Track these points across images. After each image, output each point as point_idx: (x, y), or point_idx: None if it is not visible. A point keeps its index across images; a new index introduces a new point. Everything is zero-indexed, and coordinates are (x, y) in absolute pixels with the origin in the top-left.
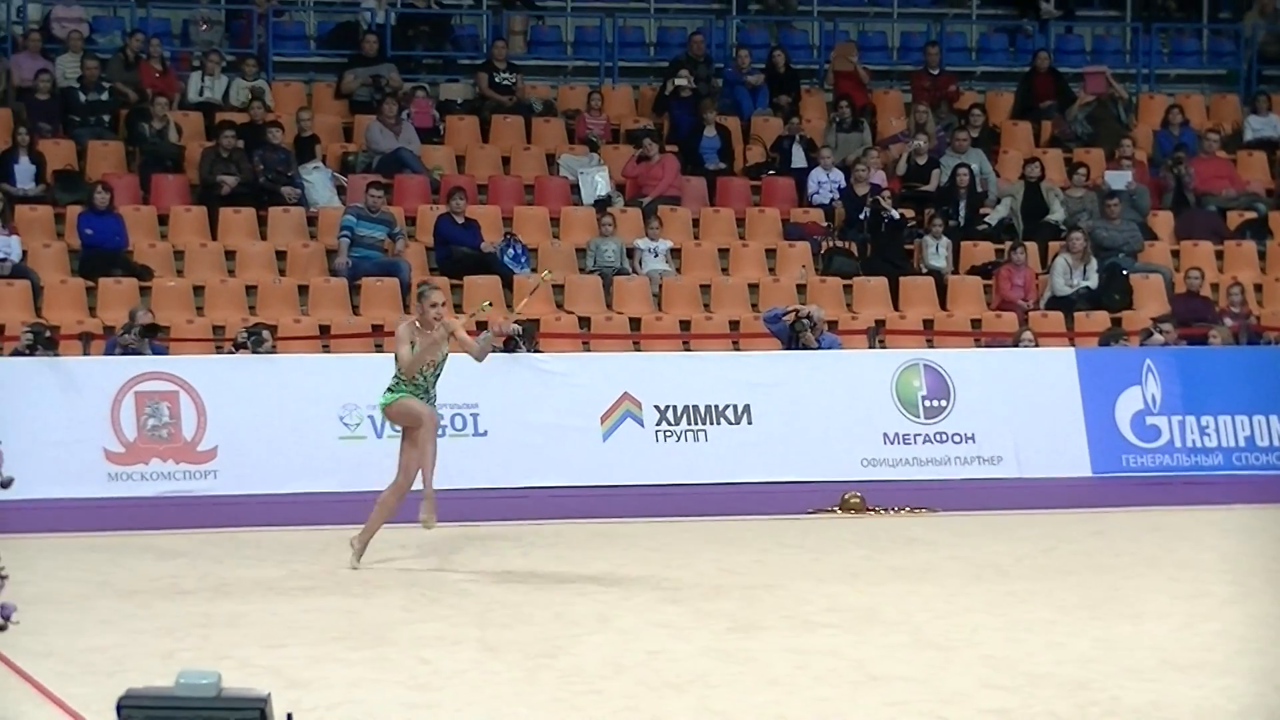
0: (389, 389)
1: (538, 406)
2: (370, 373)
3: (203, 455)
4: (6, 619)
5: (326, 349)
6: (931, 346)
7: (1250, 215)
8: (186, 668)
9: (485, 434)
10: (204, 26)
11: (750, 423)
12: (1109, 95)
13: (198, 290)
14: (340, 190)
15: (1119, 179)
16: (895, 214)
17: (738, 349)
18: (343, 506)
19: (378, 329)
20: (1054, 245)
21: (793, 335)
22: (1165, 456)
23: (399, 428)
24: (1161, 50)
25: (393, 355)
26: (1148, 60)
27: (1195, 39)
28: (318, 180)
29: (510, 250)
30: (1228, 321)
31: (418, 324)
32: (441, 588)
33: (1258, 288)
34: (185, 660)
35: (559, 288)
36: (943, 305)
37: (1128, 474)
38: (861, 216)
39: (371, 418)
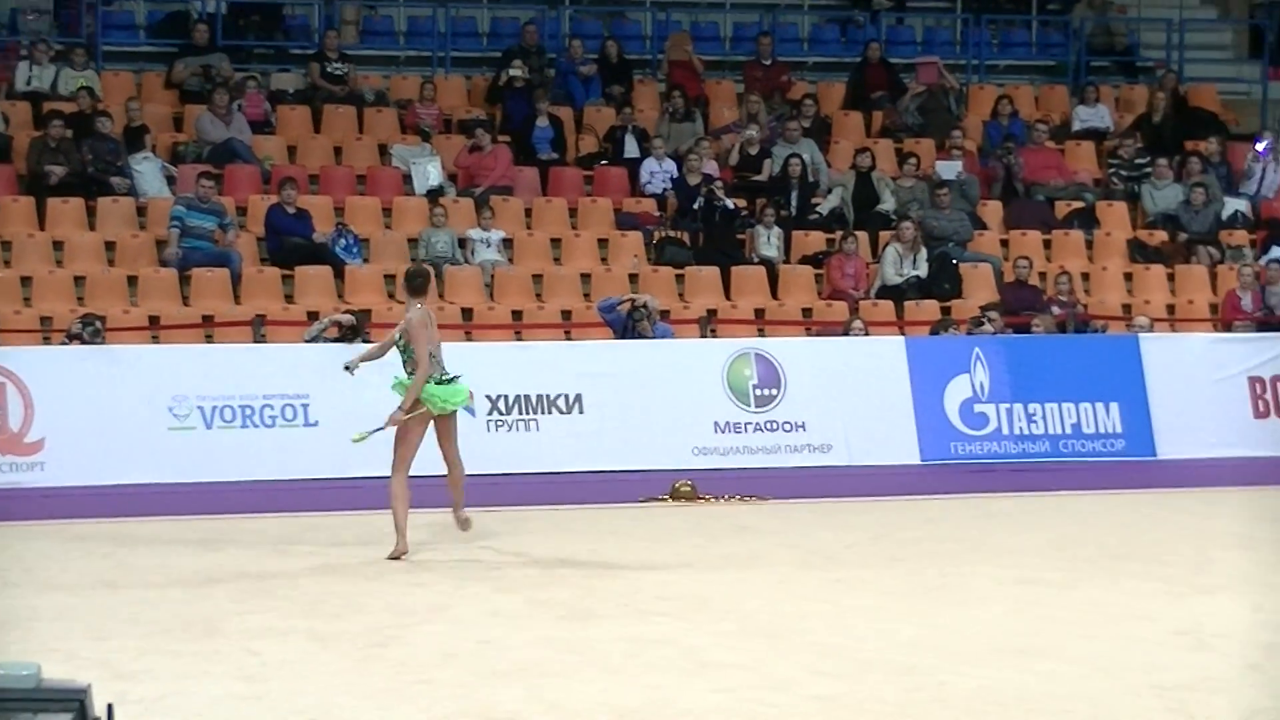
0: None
1: (369, 396)
2: (200, 363)
3: (29, 447)
4: None
5: (156, 340)
6: (763, 335)
7: (1078, 205)
8: (6, 659)
9: (316, 424)
10: (31, 16)
11: (582, 412)
12: (940, 86)
13: (25, 281)
14: (170, 180)
15: (949, 169)
16: (729, 204)
17: (570, 339)
18: (172, 498)
19: (208, 319)
20: (884, 235)
21: (629, 325)
22: (993, 444)
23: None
24: (991, 41)
25: (404, 344)
26: (978, 51)
27: (1025, 30)
28: (148, 170)
29: (342, 240)
30: (1055, 310)
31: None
32: (273, 579)
33: (1085, 276)
34: (12, 654)
35: (390, 278)
36: (774, 294)
37: (956, 461)
38: (696, 206)
39: (201, 408)
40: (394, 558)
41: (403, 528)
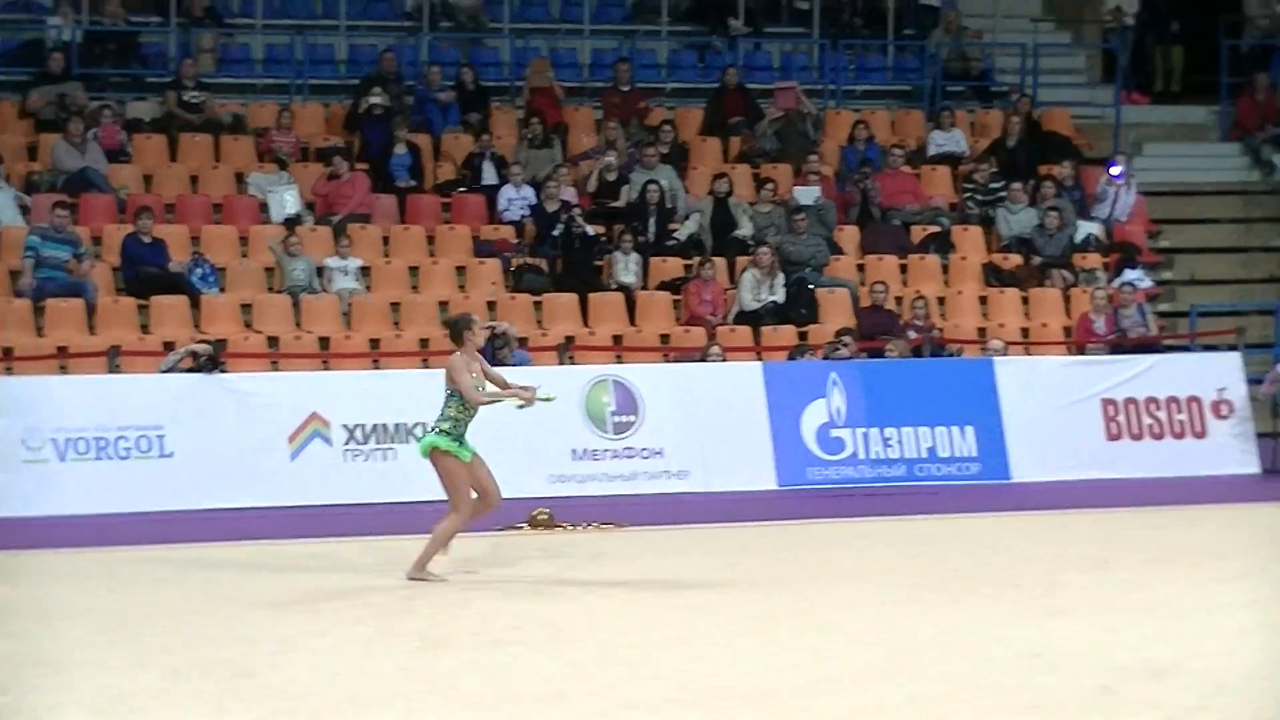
0: (443, 431)
1: (225, 427)
2: (54, 395)
3: None
4: None
5: (10, 371)
6: (621, 362)
7: (934, 229)
8: None
9: (171, 455)
10: None
11: None
12: (797, 111)
13: None
14: (25, 210)
15: (808, 194)
16: (589, 230)
17: (428, 367)
18: (26, 530)
19: (62, 350)
20: (742, 260)
21: (491, 353)
22: (849, 468)
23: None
24: (848, 67)
25: (449, 392)
26: (834, 77)
27: (881, 56)
28: (1, 200)
29: (198, 270)
30: (911, 334)
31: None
32: (126, 613)
33: (941, 301)
34: None
35: (246, 307)
36: (632, 321)
37: (813, 486)
38: (556, 233)
39: (54, 440)
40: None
41: (431, 556)
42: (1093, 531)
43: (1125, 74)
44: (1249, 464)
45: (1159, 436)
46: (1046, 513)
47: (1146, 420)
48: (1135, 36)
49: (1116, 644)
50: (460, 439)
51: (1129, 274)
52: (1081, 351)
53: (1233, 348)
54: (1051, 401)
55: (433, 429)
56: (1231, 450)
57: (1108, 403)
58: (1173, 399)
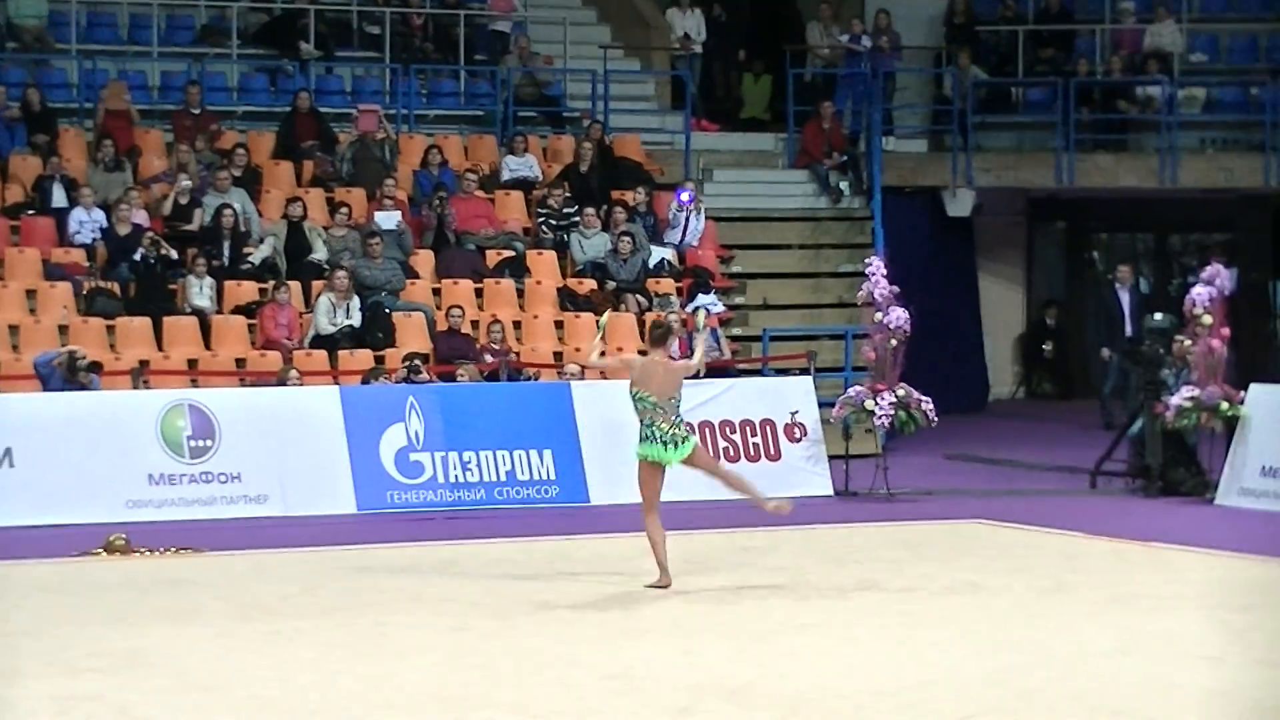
0: (687, 438)
1: None
2: None
3: None
4: None
5: None
6: (196, 386)
7: (509, 254)
8: None
9: None
10: None
11: (13, 465)
12: (372, 135)
13: None
14: None
15: (389, 219)
16: (173, 254)
17: None
18: None
19: None
20: (317, 284)
21: (71, 378)
22: (429, 492)
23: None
24: (420, 92)
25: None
26: (407, 101)
27: (453, 81)
28: None
29: None
30: (488, 358)
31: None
32: None
33: (517, 325)
34: None
35: None
36: (207, 345)
37: (392, 510)
38: (137, 257)
39: None
40: (658, 586)
41: (663, 562)
42: (672, 553)
43: (694, 101)
44: (822, 486)
45: (734, 459)
46: (625, 535)
47: (722, 443)
48: (703, 64)
49: (695, 665)
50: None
51: (702, 298)
52: None
53: (804, 371)
54: (628, 425)
55: (681, 433)
56: (805, 472)
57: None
58: (747, 422)
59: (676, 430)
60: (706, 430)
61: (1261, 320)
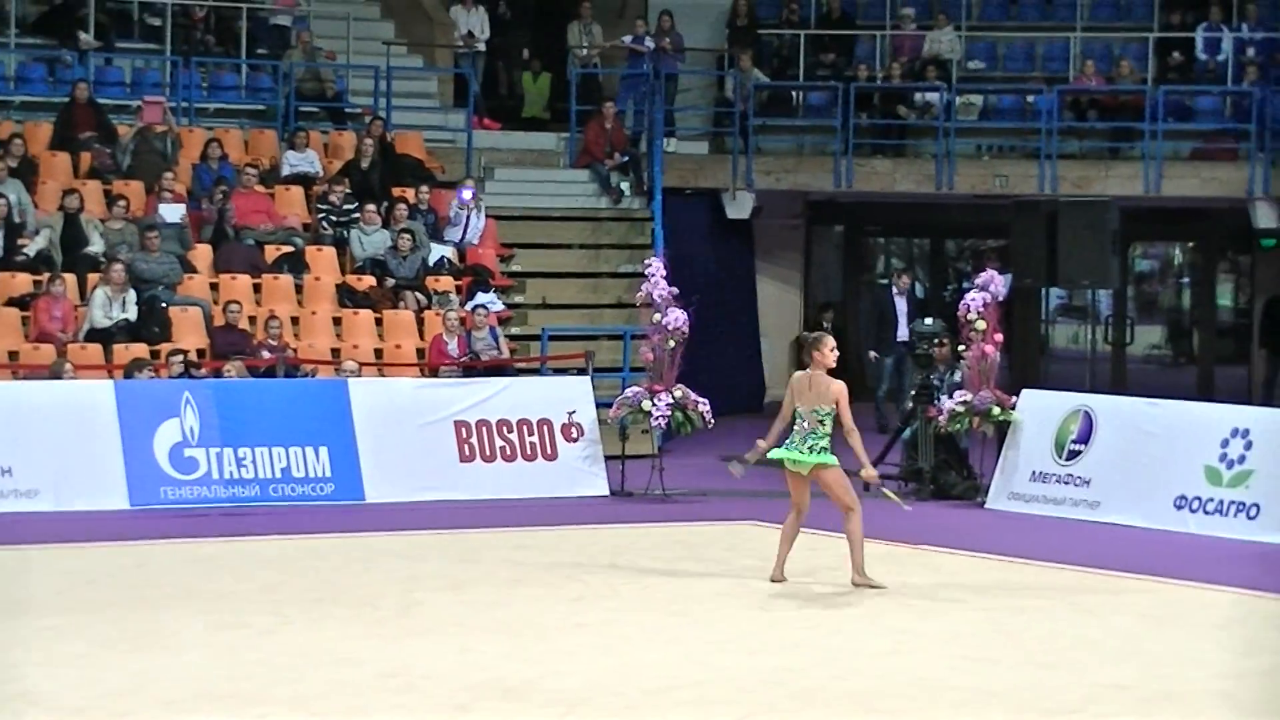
0: (826, 449)
1: None
2: None
3: None
4: None
5: None
6: None
7: (288, 249)
8: None
9: None
10: None
11: None
12: (152, 128)
13: None
14: None
15: (174, 212)
16: None
17: None
18: None
19: None
20: (93, 277)
21: None
22: (203, 488)
23: None
24: (201, 84)
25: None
26: (187, 94)
27: (234, 74)
28: None
29: None
30: (265, 354)
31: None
32: None
33: (295, 321)
34: None
35: None
36: None
37: (166, 506)
38: None
39: None
40: (774, 580)
41: (780, 557)
42: (448, 552)
43: (476, 99)
44: (598, 486)
45: (511, 459)
46: (401, 533)
47: (499, 442)
48: (486, 62)
49: (473, 664)
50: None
51: (481, 297)
52: (434, 373)
53: (582, 371)
54: (405, 423)
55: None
56: (582, 472)
57: (461, 424)
58: (524, 421)
59: (814, 440)
60: (483, 429)
61: (1034, 326)
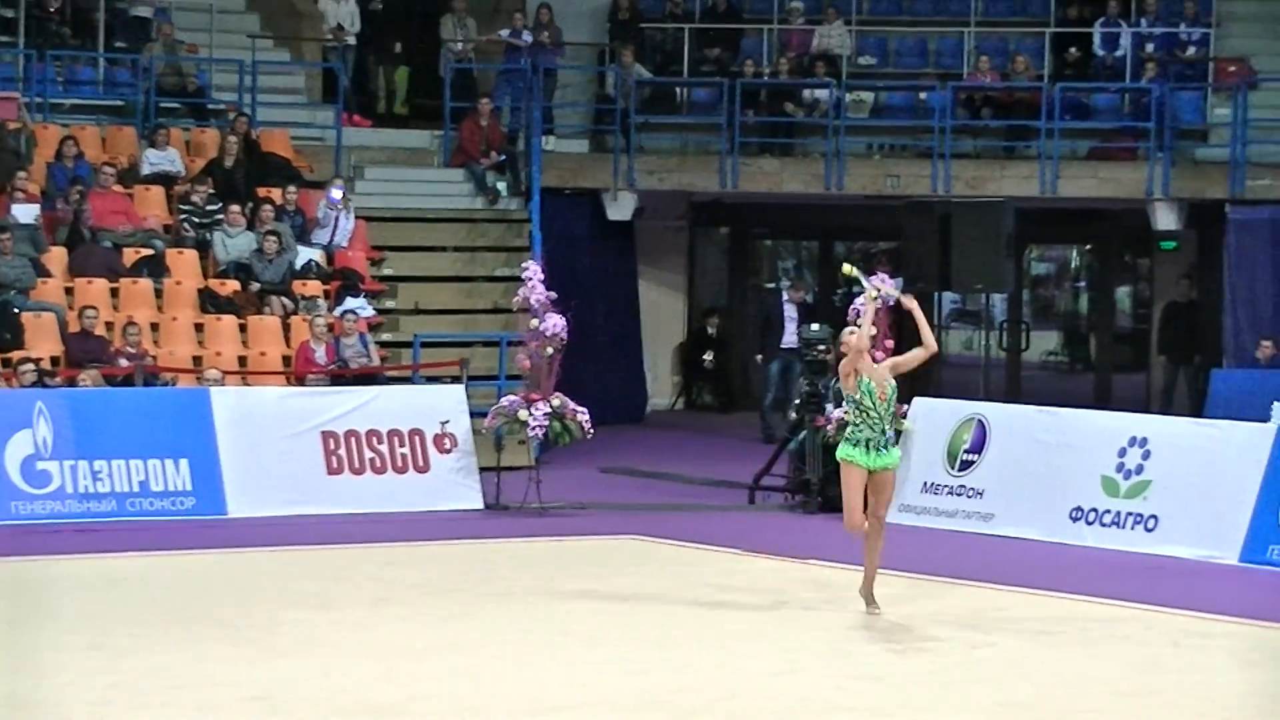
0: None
1: None
2: None
3: None
4: None
5: None
6: None
7: (147, 252)
8: None
9: None
10: None
11: None
12: (6, 125)
13: None
14: None
15: (28, 212)
16: None
17: None
18: None
19: None
20: None
21: None
22: (57, 503)
23: None
24: (57, 79)
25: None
26: (42, 89)
27: (92, 68)
28: None
29: None
30: (123, 362)
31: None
32: None
33: (154, 327)
34: None
35: None
36: None
37: (17, 521)
38: None
39: None
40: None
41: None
42: (316, 569)
43: (345, 95)
44: (472, 499)
45: (381, 471)
46: (266, 549)
47: (368, 454)
48: (356, 57)
49: (339, 687)
50: (859, 443)
51: (350, 302)
52: (301, 382)
53: (456, 379)
54: (270, 433)
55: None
56: (455, 485)
57: (328, 435)
58: (395, 432)
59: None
60: (352, 440)
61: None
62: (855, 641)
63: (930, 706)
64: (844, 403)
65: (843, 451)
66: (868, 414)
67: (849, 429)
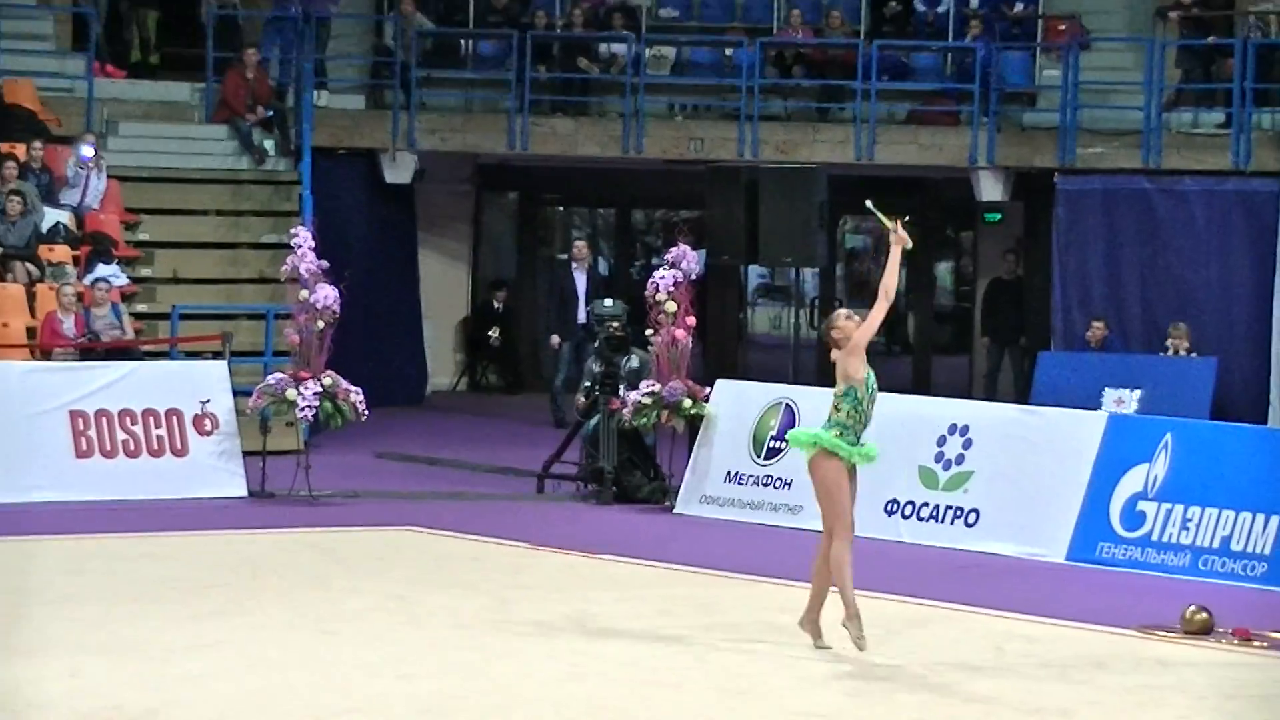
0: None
1: None
2: None
3: None
4: None
5: None
6: None
7: None
8: None
9: None
10: None
11: None
12: None
13: None
14: None
15: None
16: None
17: None
18: None
19: None
20: None
21: None
22: None
23: None
24: None
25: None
26: None
27: None
28: None
29: None
30: None
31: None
32: None
33: None
34: None
35: None
36: None
37: None
38: None
39: None
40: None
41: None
42: (60, 561)
43: (98, 43)
44: (235, 485)
45: (135, 454)
46: (7, 539)
47: (121, 435)
48: (110, 2)
49: (86, 690)
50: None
51: (102, 269)
52: (47, 356)
53: (218, 355)
54: (14, 412)
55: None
56: (215, 470)
57: (77, 415)
58: (150, 411)
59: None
60: (103, 421)
61: (731, 309)
62: (649, 645)
63: (727, 716)
64: (840, 402)
65: (844, 452)
66: (863, 414)
67: (839, 430)
